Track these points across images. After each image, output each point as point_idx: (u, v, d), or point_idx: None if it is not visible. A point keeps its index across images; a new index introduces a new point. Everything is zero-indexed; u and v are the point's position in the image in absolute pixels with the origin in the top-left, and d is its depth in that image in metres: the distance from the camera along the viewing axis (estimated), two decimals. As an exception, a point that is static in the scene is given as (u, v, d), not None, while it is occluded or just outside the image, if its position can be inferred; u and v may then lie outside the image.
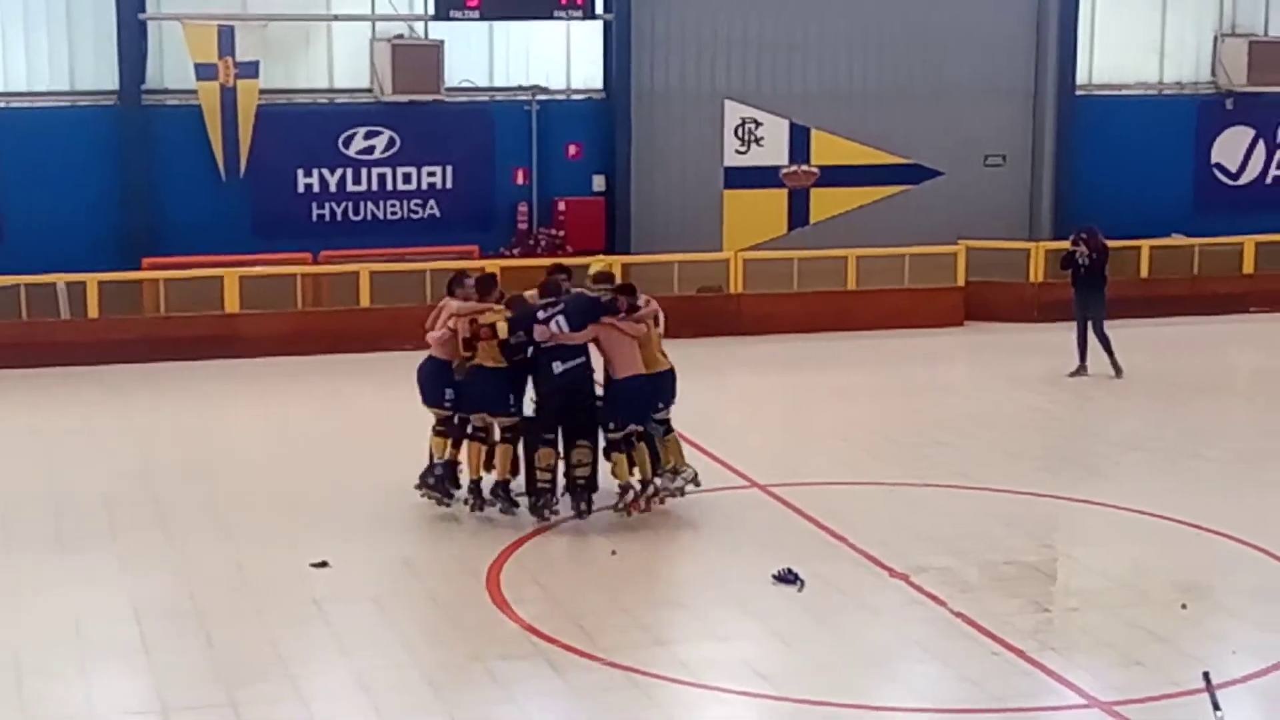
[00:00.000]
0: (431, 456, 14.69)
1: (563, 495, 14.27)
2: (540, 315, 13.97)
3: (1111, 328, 20.72)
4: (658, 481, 14.35)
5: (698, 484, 14.62)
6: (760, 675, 10.92)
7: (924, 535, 13.97)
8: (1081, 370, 20.67)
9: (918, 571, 12.93)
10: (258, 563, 13.27)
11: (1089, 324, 20.66)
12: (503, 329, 13.99)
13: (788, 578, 12.69)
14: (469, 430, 14.52)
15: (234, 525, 14.34)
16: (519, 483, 14.45)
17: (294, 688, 10.70)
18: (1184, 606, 12.19)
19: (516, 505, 14.31)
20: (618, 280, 16.17)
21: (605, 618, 12.04)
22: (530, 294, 14.50)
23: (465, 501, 14.45)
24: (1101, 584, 12.96)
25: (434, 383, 14.65)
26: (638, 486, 14.24)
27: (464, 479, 14.62)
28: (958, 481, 15.83)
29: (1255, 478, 16.15)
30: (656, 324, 14.55)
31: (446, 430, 14.65)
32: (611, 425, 14.08)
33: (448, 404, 14.55)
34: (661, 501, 14.44)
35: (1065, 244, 21.65)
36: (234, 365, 21.33)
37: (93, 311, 21.71)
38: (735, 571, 13.04)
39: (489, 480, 14.42)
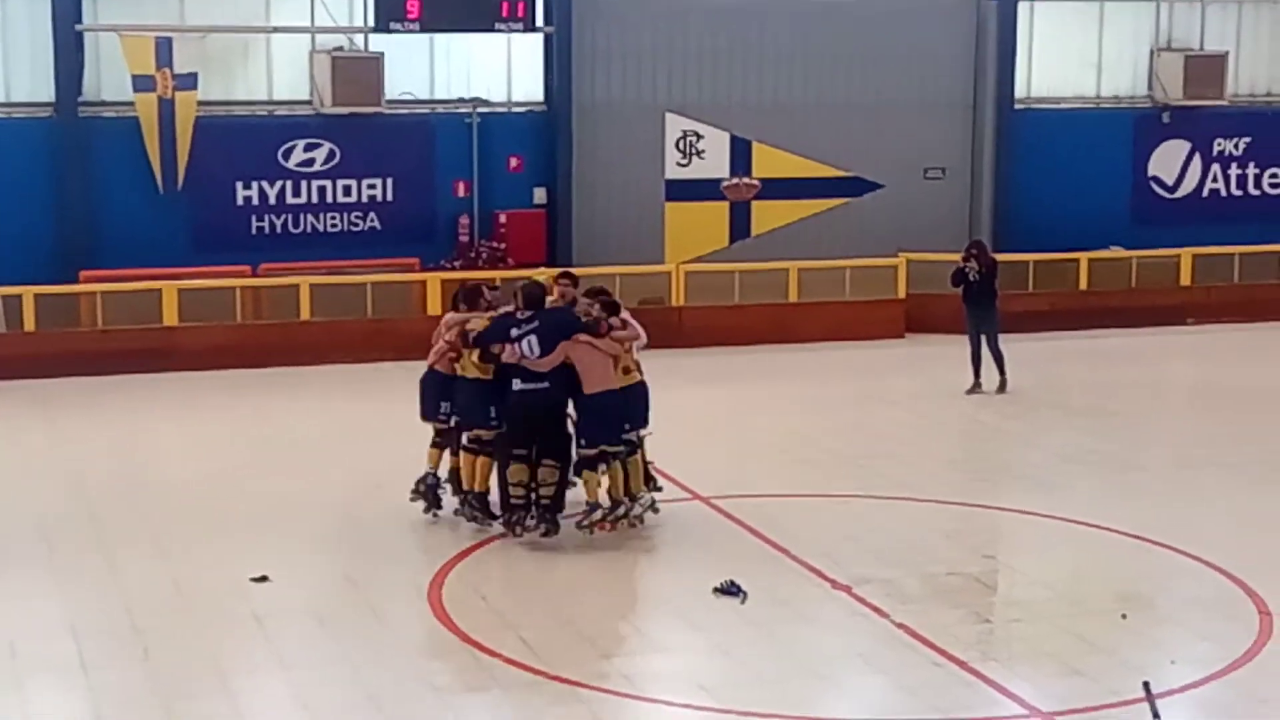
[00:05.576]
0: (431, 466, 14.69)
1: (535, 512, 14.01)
2: (514, 333, 13.68)
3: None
4: (627, 502, 14.16)
5: (655, 510, 14.49)
6: (703, 688, 10.89)
7: (866, 547, 13.99)
8: (977, 387, 20.50)
9: (860, 583, 12.94)
10: (196, 579, 13.14)
11: (982, 339, 20.57)
12: (476, 329, 13.92)
13: (730, 590, 12.67)
14: (464, 442, 14.33)
15: (171, 541, 14.19)
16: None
17: (233, 705, 10.60)
18: (1124, 616, 12.26)
19: (495, 518, 14.12)
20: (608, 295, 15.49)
21: (548, 631, 11.99)
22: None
23: (458, 513, 14.36)
24: (1042, 594, 13.01)
25: (432, 396, 14.56)
26: (606, 505, 14.01)
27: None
28: (899, 493, 15.87)
29: (1193, 488, 16.26)
30: (631, 345, 14.31)
31: (444, 442, 14.57)
32: (583, 442, 13.84)
33: (442, 416, 14.48)
34: (631, 525, 14.24)
35: (1002, 256, 21.65)
36: (172, 379, 21.16)
37: (29, 325, 21.50)
38: (678, 584, 13.03)
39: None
